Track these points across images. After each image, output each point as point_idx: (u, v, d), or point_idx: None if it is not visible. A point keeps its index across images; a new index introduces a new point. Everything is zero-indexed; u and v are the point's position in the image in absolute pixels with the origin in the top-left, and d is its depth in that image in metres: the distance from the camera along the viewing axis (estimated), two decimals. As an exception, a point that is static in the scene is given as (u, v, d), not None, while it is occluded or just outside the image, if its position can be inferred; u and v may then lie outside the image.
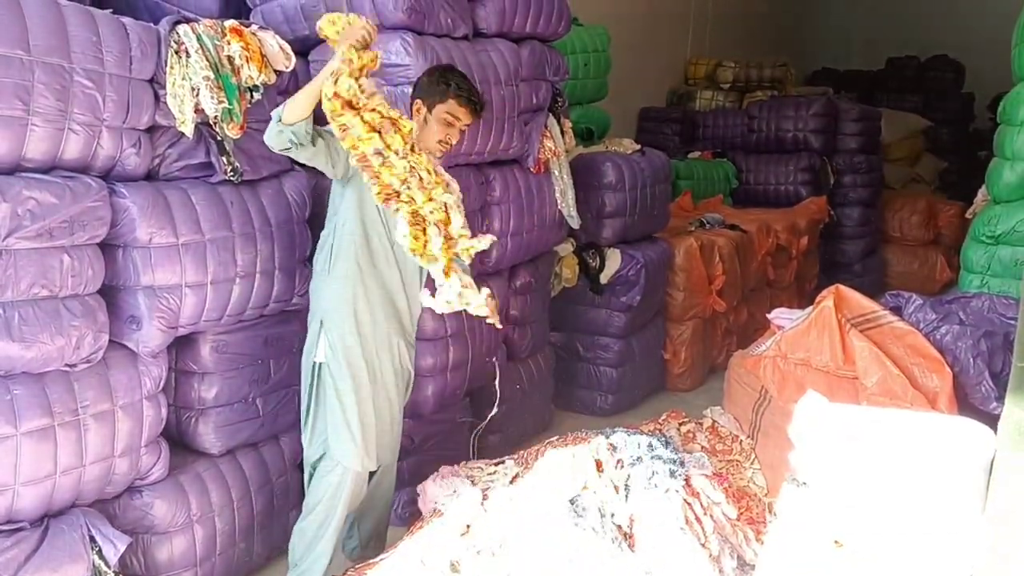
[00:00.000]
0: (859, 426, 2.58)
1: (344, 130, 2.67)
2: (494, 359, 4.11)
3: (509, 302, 4.37)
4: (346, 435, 3.00)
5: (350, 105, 2.67)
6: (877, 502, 2.19)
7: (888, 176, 8.90)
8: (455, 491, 3.21)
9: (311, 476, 3.12)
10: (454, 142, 3.07)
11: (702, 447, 3.64)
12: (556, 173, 4.55)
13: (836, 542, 2.28)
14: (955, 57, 10.75)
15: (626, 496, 3.08)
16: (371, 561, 3.00)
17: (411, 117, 2.98)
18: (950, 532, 2.15)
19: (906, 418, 2.72)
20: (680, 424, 3.89)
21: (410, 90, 3.56)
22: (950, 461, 2.24)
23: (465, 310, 2.80)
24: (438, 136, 3.01)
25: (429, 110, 3.00)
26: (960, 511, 2.12)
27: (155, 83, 2.81)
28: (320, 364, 3.01)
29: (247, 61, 2.99)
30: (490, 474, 3.41)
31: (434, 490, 3.33)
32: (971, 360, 3.39)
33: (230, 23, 3.01)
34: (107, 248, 2.76)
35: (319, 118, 2.75)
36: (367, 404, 3.03)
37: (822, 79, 11.30)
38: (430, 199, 2.75)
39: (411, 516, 3.55)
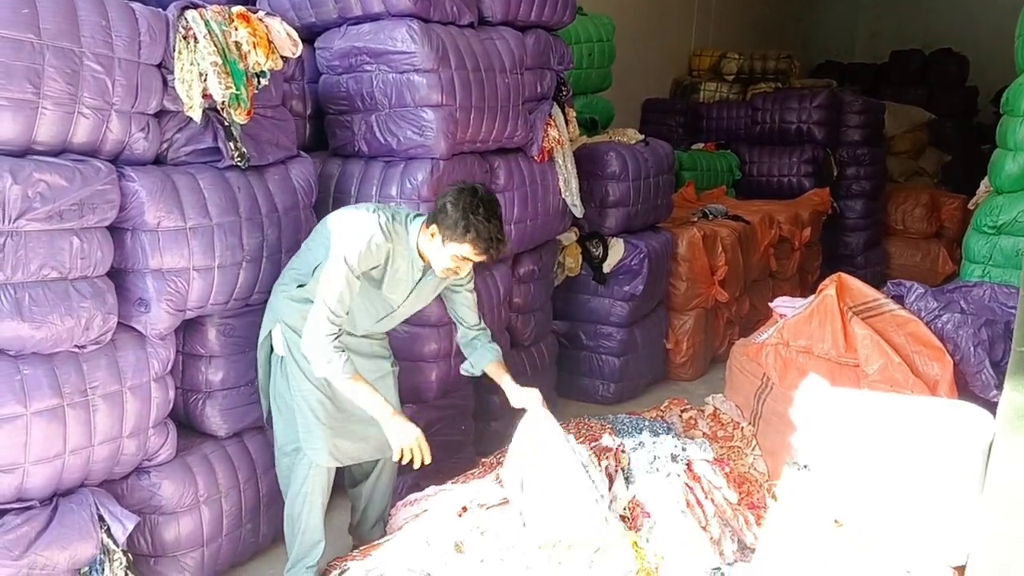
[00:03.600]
0: (860, 410, 2.60)
1: None
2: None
3: (512, 290, 4.39)
4: (316, 432, 3.00)
5: None
6: (877, 484, 2.21)
7: (891, 169, 8.90)
8: (425, 510, 3.14)
9: (289, 466, 3.11)
10: (462, 274, 2.96)
11: (703, 434, 3.66)
12: (560, 162, 4.57)
13: (836, 521, 2.30)
14: (959, 51, 10.73)
15: (627, 481, 3.11)
16: (376, 543, 3.03)
17: (425, 230, 2.89)
18: (948, 513, 2.17)
19: (906, 402, 2.74)
20: (682, 411, 3.91)
21: (416, 78, 3.60)
22: (949, 444, 2.26)
23: None
24: (446, 265, 2.87)
25: (443, 242, 2.83)
26: (958, 493, 2.14)
27: (163, 68, 2.84)
28: (281, 357, 3.02)
29: (254, 47, 3.00)
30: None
31: (404, 512, 3.27)
32: (972, 348, 3.41)
33: (237, 9, 3.03)
34: (116, 231, 2.79)
35: None
36: (332, 401, 3.02)
37: (826, 72, 11.29)
38: None
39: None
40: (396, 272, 2.95)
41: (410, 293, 3.04)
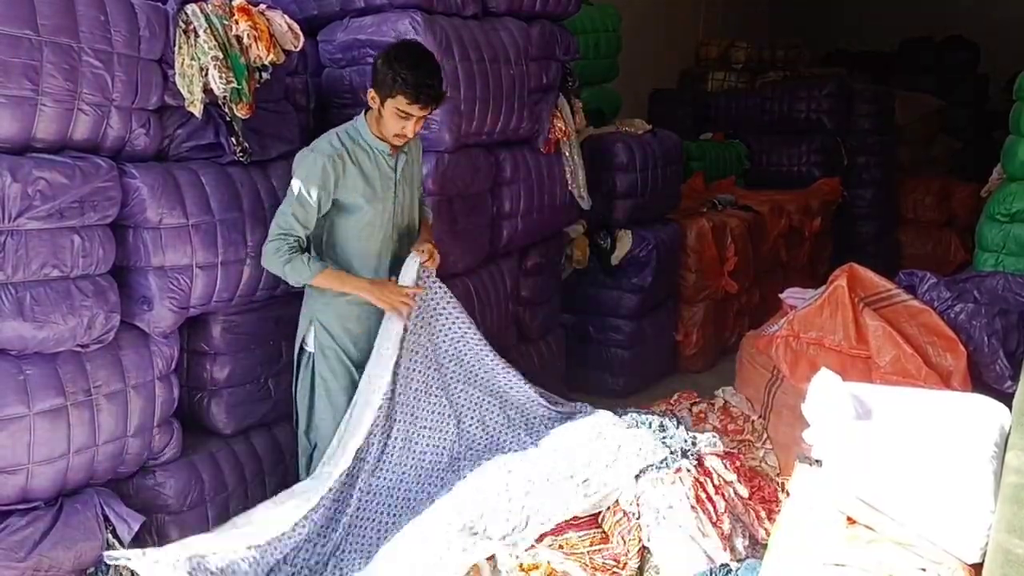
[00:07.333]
0: (873, 403, 2.56)
1: None
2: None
3: (519, 283, 4.36)
4: (336, 429, 3.00)
5: None
6: (889, 480, 2.17)
7: (902, 157, 8.82)
8: None
9: (308, 463, 3.11)
10: (410, 135, 2.91)
11: (714, 427, 3.63)
12: (567, 153, 4.53)
13: (848, 519, 2.27)
14: (969, 38, 10.63)
15: (636, 477, 3.08)
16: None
17: (371, 104, 2.91)
18: (963, 510, 2.13)
19: (920, 395, 2.71)
20: (692, 404, 3.88)
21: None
22: (963, 438, 2.22)
23: None
24: (394, 130, 2.87)
25: (381, 102, 2.84)
26: (973, 489, 2.10)
27: (164, 63, 2.81)
28: (310, 353, 3.02)
29: (255, 41, 2.98)
30: None
31: None
32: (985, 339, 3.37)
33: (238, 2, 3.00)
34: (118, 229, 2.77)
35: None
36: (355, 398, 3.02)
37: (836, 60, 11.18)
38: None
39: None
40: (365, 169, 2.93)
41: (396, 183, 3.02)
